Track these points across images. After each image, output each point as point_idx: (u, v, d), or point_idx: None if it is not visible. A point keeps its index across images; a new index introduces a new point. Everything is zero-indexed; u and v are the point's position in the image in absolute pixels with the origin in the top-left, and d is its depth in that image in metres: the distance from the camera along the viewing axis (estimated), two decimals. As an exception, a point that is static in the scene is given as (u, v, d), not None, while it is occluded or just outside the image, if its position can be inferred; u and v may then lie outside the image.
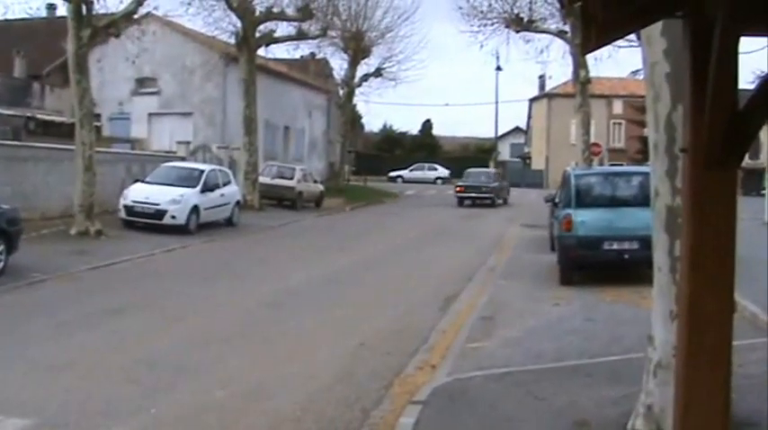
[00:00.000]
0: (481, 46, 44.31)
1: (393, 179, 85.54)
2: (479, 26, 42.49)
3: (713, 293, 5.33)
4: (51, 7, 52.66)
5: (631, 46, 27.33)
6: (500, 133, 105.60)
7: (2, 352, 13.02)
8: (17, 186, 27.56)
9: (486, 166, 74.81)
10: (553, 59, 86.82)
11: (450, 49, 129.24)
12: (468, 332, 15.45)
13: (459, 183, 58.53)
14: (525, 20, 41.19)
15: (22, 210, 22.05)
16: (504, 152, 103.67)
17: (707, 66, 5.03)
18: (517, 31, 41.91)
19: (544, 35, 41.87)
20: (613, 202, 21.47)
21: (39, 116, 41.79)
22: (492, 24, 42.13)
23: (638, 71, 66.60)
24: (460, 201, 55.91)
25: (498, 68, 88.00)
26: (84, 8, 28.16)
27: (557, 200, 25.92)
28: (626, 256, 20.37)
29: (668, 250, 8.85)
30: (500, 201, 57.50)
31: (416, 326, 16.10)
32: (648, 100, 9.16)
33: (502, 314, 17.18)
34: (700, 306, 5.35)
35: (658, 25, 8.56)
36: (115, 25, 29.86)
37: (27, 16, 36.86)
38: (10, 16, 38.80)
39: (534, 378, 11.78)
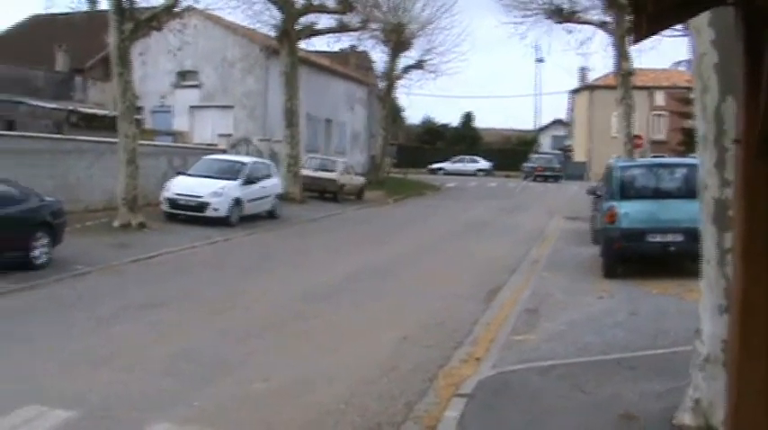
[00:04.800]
0: (522, 37, 43.93)
1: (434, 171, 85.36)
2: (520, 17, 42.26)
3: (765, 286, 5.24)
4: (93, 1, 52.87)
5: (674, 36, 27.01)
6: (541, 125, 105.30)
7: (46, 344, 13.11)
8: (60, 179, 27.74)
9: (555, 153, 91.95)
10: (595, 51, 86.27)
11: (490, 41, 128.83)
12: (512, 325, 15.37)
13: (537, 165, 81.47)
14: (566, 11, 40.88)
15: (65, 203, 22.20)
16: (546, 144, 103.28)
17: (761, 55, 4.93)
18: (558, 22, 41.58)
19: (586, 26, 41.56)
20: (657, 194, 21.28)
21: (81, 109, 42.04)
22: (533, 15, 41.85)
23: (680, 62, 66.13)
24: (535, 178, 78.70)
25: (539, 60, 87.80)
26: (125, 2, 28.28)
27: (599, 192, 25.74)
28: (670, 249, 20.17)
29: (717, 242, 8.74)
30: (562, 179, 78.00)
31: (460, 319, 16.05)
32: (696, 91, 9.04)
33: (545, 307, 17.08)
34: (751, 299, 5.27)
35: (706, 15, 8.45)
36: (157, 18, 29.92)
37: (69, 10, 36.95)
38: (53, 10, 38.87)
39: (579, 371, 11.70)
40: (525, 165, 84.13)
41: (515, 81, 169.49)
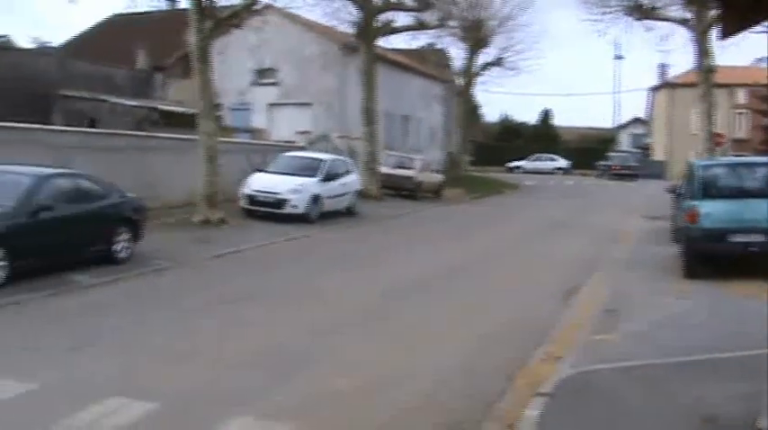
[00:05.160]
0: (601, 34, 43.54)
1: (512, 169, 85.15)
2: (600, 14, 41.90)
3: None
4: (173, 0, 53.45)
5: (758, 32, 26.60)
6: (620, 123, 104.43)
7: (128, 338, 13.29)
8: (141, 175, 27.96)
9: (634, 151, 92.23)
10: (675, 48, 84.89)
11: (568, 38, 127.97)
12: (591, 324, 15.25)
13: (613, 164, 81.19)
14: (646, 7, 40.45)
15: (145, 199, 22.44)
16: (625, 142, 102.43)
17: None
18: (638, 19, 41.18)
19: (666, 23, 41.10)
20: (740, 194, 20.93)
21: (161, 107, 42.50)
22: (612, 12, 41.48)
23: (761, 59, 65.22)
24: (611, 177, 77.74)
25: (618, 57, 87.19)
26: (205, 0, 28.51)
27: (680, 191, 25.44)
28: (753, 249, 19.85)
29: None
30: (639, 179, 76.38)
31: (538, 318, 15.96)
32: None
33: (625, 306, 16.90)
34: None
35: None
36: (236, 16, 30.13)
37: (149, 9, 37.47)
38: (133, 10, 39.29)
39: (660, 372, 11.58)
40: (599, 163, 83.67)
41: (594, 78, 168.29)
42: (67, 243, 18.33)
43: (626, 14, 41.13)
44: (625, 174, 77.80)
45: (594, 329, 14.79)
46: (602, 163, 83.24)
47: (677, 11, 39.83)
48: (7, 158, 20.87)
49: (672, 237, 26.20)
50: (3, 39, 56.07)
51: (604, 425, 9.55)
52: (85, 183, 19.74)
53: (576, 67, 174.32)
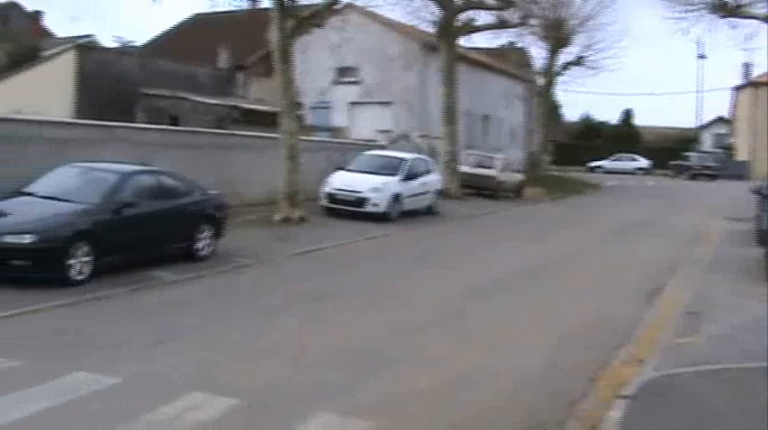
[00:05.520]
0: (684, 33, 42.88)
1: (592, 169, 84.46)
2: (683, 12, 41.32)
3: None
4: (254, -1, 53.78)
5: None
6: (702, 123, 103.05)
7: (209, 335, 13.37)
8: (221, 173, 28.13)
9: (716, 151, 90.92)
10: (760, 47, 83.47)
11: (650, 37, 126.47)
12: (673, 326, 15.05)
13: (692, 164, 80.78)
14: (731, 5, 39.82)
15: (225, 197, 22.54)
16: (707, 142, 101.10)
17: None
18: (722, 17, 40.57)
19: (751, 20, 40.43)
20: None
21: (242, 105, 42.83)
22: (696, 10, 40.90)
23: None
24: (693, 177, 77.49)
25: (701, 56, 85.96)
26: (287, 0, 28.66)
27: (765, 192, 25.03)
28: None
29: None
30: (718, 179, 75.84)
31: (620, 319, 15.82)
32: None
33: (708, 309, 16.64)
34: None
35: None
36: (318, 16, 30.23)
37: (231, 8, 37.77)
38: (215, 9, 39.69)
39: (745, 376, 11.40)
40: (673, 162, 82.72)
41: (676, 78, 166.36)
42: (150, 239, 18.54)
43: (710, 12, 40.50)
44: (704, 175, 76.75)
45: (677, 331, 14.60)
46: (676, 162, 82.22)
47: (763, 8, 39.19)
48: (92, 156, 21.24)
49: (756, 238, 25.82)
50: (88, 39, 56.75)
51: (688, 429, 9.41)
52: (168, 181, 19.94)
53: (658, 66, 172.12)
